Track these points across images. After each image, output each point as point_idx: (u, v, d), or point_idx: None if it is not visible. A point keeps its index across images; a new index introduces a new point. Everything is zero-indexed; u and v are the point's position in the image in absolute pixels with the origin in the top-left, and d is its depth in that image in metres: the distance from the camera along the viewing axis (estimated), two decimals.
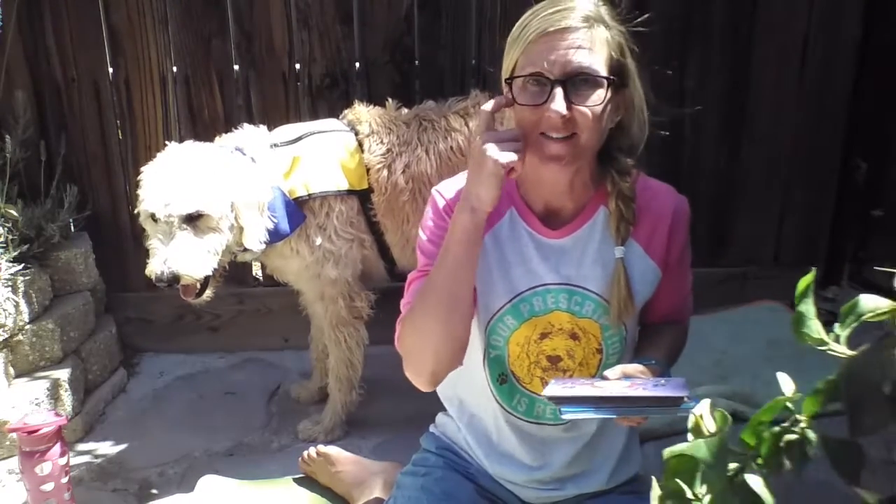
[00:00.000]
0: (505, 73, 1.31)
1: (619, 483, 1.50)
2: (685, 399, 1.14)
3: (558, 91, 1.23)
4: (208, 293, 2.09)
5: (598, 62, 1.25)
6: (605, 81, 1.26)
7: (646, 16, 1.34)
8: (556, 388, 1.21)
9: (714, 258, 2.97)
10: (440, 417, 1.62)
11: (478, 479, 1.52)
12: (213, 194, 1.99)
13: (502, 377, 1.44)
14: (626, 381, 1.23)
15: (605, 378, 1.24)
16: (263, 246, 2.10)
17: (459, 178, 1.44)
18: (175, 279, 1.97)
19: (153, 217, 1.99)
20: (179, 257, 1.96)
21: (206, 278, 2.05)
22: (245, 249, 2.12)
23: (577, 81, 1.24)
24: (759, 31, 2.77)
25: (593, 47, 1.25)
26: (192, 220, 1.98)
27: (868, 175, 2.91)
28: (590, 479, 1.48)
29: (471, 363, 1.47)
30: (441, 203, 1.42)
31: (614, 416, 1.19)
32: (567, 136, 1.26)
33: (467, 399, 1.53)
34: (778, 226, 3.00)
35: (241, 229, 2.06)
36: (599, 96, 1.25)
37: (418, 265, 1.44)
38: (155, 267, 1.96)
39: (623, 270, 1.35)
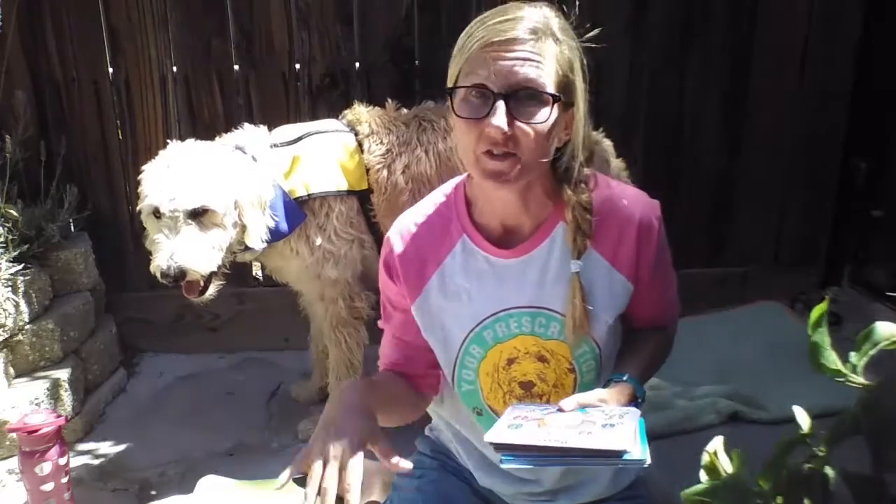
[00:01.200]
0: (449, 83, 1.25)
1: (617, 490, 1.48)
2: (626, 451, 1.08)
3: (500, 105, 1.16)
4: (211, 291, 2.09)
5: (544, 77, 1.18)
6: (551, 98, 1.19)
7: (596, 31, 1.27)
8: (498, 432, 1.16)
9: (714, 258, 2.97)
10: (435, 420, 1.61)
11: (472, 481, 1.52)
12: (217, 190, 1.99)
13: (477, 410, 1.40)
14: (581, 412, 1.18)
15: (561, 410, 1.19)
16: (265, 245, 2.10)
17: (411, 216, 1.41)
18: (181, 274, 1.95)
19: (156, 213, 1.98)
20: (185, 252, 1.95)
21: (210, 276, 2.05)
22: (246, 248, 2.12)
23: (521, 96, 1.17)
24: (759, 31, 2.77)
25: (541, 61, 1.18)
26: (197, 215, 1.98)
27: (868, 175, 2.91)
28: (585, 489, 1.45)
29: (450, 396, 1.45)
30: (384, 257, 1.41)
31: (554, 467, 1.14)
32: (507, 153, 1.19)
33: (453, 422, 1.51)
34: (778, 226, 3.00)
35: (243, 227, 2.06)
36: (544, 114, 1.18)
37: (382, 314, 1.48)
38: (161, 262, 1.95)
39: (579, 286, 1.28)
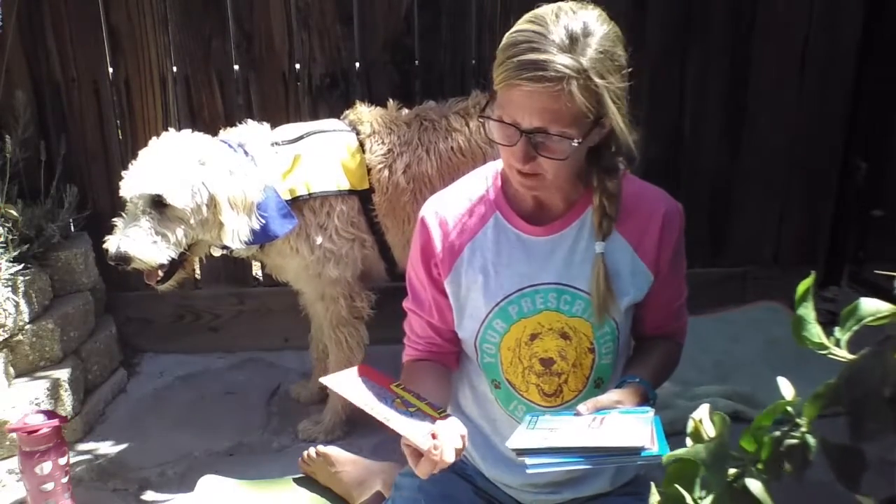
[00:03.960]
0: (495, 85, 1.30)
1: (619, 485, 1.50)
2: (644, 447, 1.12)
3: (522, 142, 1.25)
4: (172, 282, 2.10)
5: (568, 118, 1.23)
6: (573, 136, 1.25)
7: (629, 69, 1.30)
8: (518, 438, 1.21)
9: (714, 258, 2.97)
10: None
11: (475, 479, 1.53)
12: (180, 184, 1.98)
13: (495, 383, 1.45)
14: (597, 414, 1.23)
15: (577, 413, 1.24)
16: (243, 246, 2.09)
17: (446, 194, 1.48)
18: (124, 260, 1.98)
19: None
20: (134, 240, 1.97)
21: (172, 267, 2.05)
22: (226, 246, 2.11)
23: (543, 135, 1.24)
24: (759, 31, 2.77)
25: (566, 104, 1.21)
26: (159, 206, 1.99)
27: (868, 175, 2.91)
28: (589, 483, 1.48)
29: (469, 372, 1.47)
30: (419, 236, 1.45)
31: (578, 467, 1.17)
32: (532, 173, 1.29)
33: (466, 404, 1.53)
34: (778, 226, 3.00)
35: (220, 225, 2.04)
36: (565, 150, 1.25)
37: (409, 295, 1.51)
38: (109, 245, 1.99)
39: (603, 266, 1.35)
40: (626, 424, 1.18)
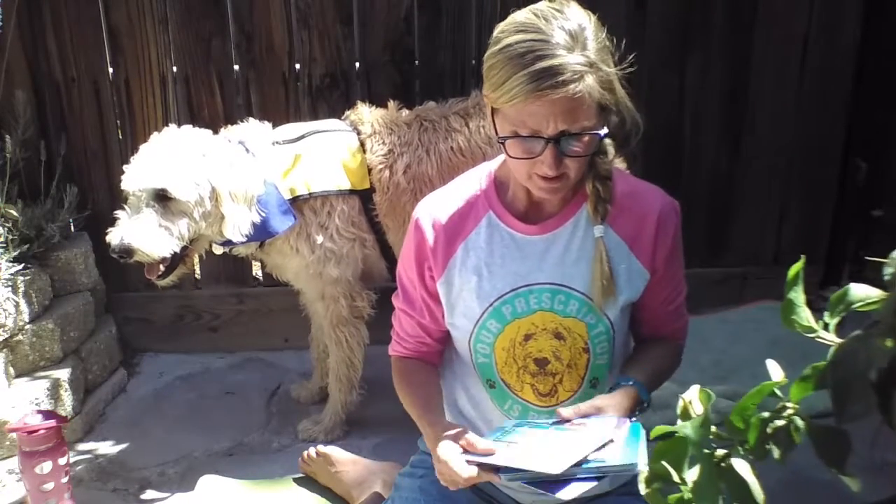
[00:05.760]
0: (488, 99, 1.29)
1: (618, 485, 1.50)
2: (635, 465, 1.15)
3: (550, 149, 1.24)
4: (173, 277, 2.10)
5: (589, 115, 1.24)
6: (596, 131, 1.26)
7: (632, 58, 1.31)
8: (504, 454, 1.21)
9: (714, 258, 2.97)
10: None
11: None
12: (184, 177, 1.98)
13: (490, 382, 1.45)
14: (579, 421, 1.23)
15: (560, 417, 1.25)
16: (244, 239, 2.09)
17: (440, 195, 1.47)
18: (127, 253, 1.96)
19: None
20: (138, 232, 1.96)
21: (173, 261, 2.05)
22: (229, 241, 2.10)
23: (568, 137, 1.24)
24: (759, 32, 2.77)
25: (585, 101, 1.22)
26: (162, 199, 1.98)
27: (868, 175, 2.91)
28: None
29: (463, 373, 1.47)
30: (412, 237, 1.45)
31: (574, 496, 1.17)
32: (558, 176, 1.28)
33: (462, 405, 1.53)
34: (778, 226, 3.00)
35: (222, 218, 2.04)
36: (591, 146, 1.27)
37: (399, 294, 1.50)
38: (112, 237, 1.98)
39: (604, 249, 1.35)
40: (606, 437, 1.19)
